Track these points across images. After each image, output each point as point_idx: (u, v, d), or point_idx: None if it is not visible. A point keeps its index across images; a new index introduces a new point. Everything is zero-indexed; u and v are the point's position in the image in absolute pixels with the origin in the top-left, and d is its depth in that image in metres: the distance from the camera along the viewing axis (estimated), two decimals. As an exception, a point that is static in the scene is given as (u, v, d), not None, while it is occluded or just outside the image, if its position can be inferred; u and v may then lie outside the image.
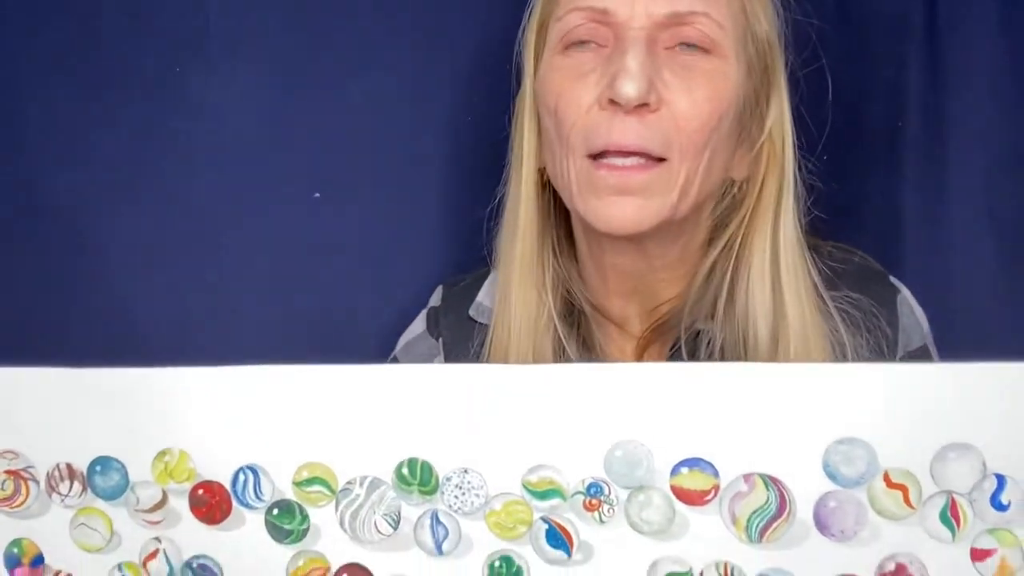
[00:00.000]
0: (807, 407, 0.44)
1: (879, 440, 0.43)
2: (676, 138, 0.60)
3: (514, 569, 0.46)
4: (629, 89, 0.58)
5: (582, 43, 0.62)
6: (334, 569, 0.47)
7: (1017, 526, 0.43)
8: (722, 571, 0.44)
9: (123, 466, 0.49)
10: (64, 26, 0.90)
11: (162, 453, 0.48)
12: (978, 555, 0.43)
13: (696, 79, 0.60)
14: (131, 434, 0.49)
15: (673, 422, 0.45)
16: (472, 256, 0.74)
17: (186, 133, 0.87)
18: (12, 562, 0.50)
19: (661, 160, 0.60)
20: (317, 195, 0.85)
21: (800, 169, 0.66)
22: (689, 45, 0.61)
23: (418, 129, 0.84)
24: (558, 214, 0.69)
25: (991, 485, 0.43)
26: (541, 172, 0.67)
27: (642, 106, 0.59)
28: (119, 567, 0.49)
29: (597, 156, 0.60)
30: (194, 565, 0.48)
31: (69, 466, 0.49)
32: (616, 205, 0.60)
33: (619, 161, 0.60)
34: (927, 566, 0.43)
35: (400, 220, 0.84)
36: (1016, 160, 0.81)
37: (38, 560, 0.50)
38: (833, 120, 0.76)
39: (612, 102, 0.59)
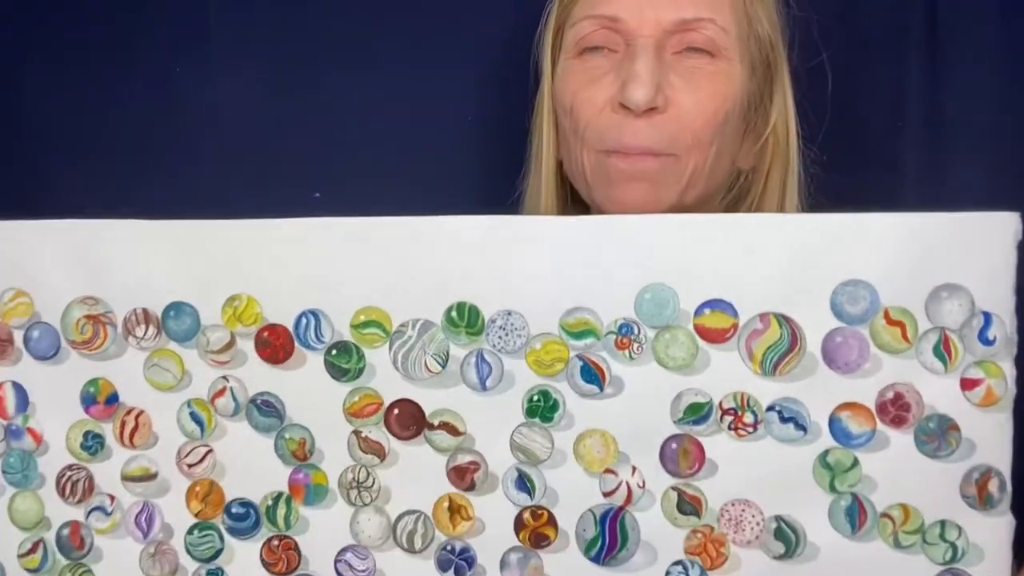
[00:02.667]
0: (816, 253, 0.51)
1: (880, 281, 0.50)
2: (682, 136, 0.67)
3: (551, 403, 0.52)
4: (639, 95, 0.65)
5: (595, 48, 0.70)
6: (387, 404, 0.54)
7: (1001, 359, 0.50)
8: (739, 401, 0.51)
9: (195, 310, 0.55)
10: (64, 26, 0.94)
11: (231, 299, 0.55)
12: (967, 384, 0.50)
13: (700, 81, 0.68)
14: (202, 281, 0.56)
15: (697, 267, 0.52)
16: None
17: (186, 133, 0.91)
18: (88, 400, 0.56)
19: (670, 154, 0.68)
20: (318, 195, 0.88)
21: (803, 159, 0.74)
22: (695, 49, 0.68)
23: (418, 129, 0.88)
24: (576, 208, 0.78)
25: (979, 322, 0.50)
26: (559, 166, 0.76)
27: (651, 109, 0.66)
28: (188, 404, 0.56)
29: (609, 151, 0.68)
30: (258, 402, 0.55)
31: (145, 311, 0.55)
32: (628, 191, 0.68)
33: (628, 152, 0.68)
34: (922, 394, 0.50)
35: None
36: (1016, 160, 0.84)
37: (113, 398, 0.56)
38: (833, 119, 0.81)
39: (623, 106, 0.67)
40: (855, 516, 0.51)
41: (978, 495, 0.50)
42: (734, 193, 0.74)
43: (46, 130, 0.89)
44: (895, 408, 0.50)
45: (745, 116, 0.70)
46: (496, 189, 0.82)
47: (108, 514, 0.57)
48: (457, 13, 0.89)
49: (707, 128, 0.67)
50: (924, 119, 0.83)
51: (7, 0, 0.95)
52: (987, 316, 0.50)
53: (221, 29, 0.91)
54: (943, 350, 0.50)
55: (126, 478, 0.56)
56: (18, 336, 0.57)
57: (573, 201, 0.77)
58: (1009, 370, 0.50)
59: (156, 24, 0.92)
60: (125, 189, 0.89)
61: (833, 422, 0.51)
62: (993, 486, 0.50)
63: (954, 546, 0.50)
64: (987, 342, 0.50)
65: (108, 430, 0.57)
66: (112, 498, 0.57)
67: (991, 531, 0.51)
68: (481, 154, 0.88)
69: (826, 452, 0.51)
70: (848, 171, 0.87)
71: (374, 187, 0.88)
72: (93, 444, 0.57)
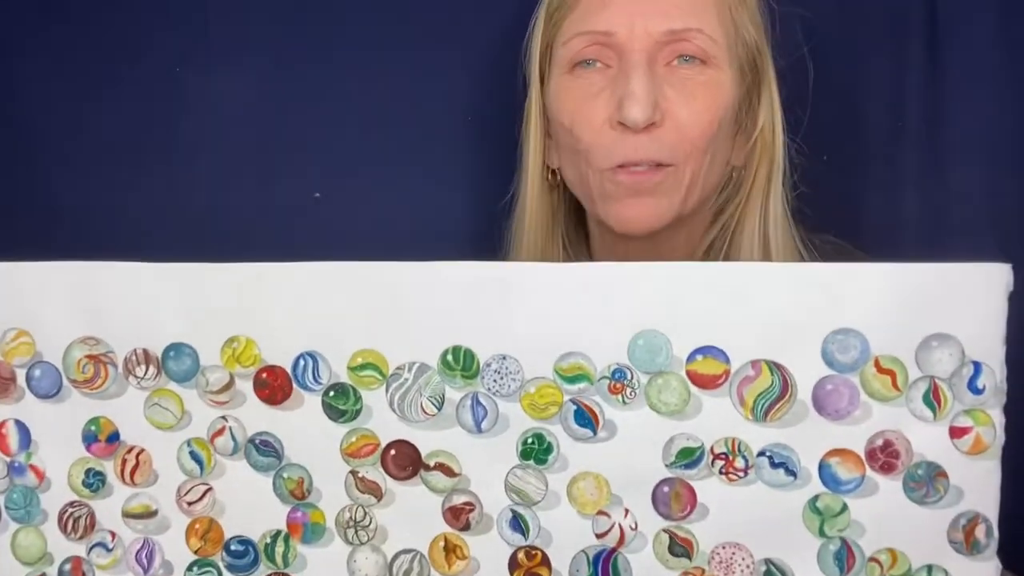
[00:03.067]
0: (808, 301, 0.51)
1: (870, 330, 0.51)
2: (680, 146, 0.70)
3: (545, 445, 0.53)
4: (636, 114, 0.68)
5: (588, 63, 0.72)
6: (384, 445, 0.55)
7: (990, 407, 0.51)
8: (730, 447, 0.52)
9: (194, 351, 0.56)
10: (64, 26, 0.94)
11: (230, 340, 0.56)
12: (956, 432, 0.51)
13: (694, 91, 0.70)
14: (202, 323, 0.56)
15: (689, 314, 0.52)
16: (484, 248, 0.82)
17: (186, 132, 0.92)
18: (90, 438, 0.58)
19: (669, 165, 0.70)
20: (317, 195, 0.90)
21: (787, 152, 0.76)
22: (686, 60, 0.71)
23: (417, 129, 0.89)
24: (568, 210, 0.81)
25: (968, 371, 0.50)
26: (548, 171, 0.78)
27: (649, 125, 0.68)
28: (188, 443, 0.57)
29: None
30: (257, 441, 0.56)
31: (145, 351, 0.56)
32: (632, 207, 0.72)
33: (632, 168, 0.70)
34: (911, 441, 0.51)
35: (404, 219, 0.88)
36: (1016, 160, 0.84)
37: (114, 437, 0.57)
38: (833, 120, 0.82)
39: (621, 124, 0.69)
40: (844, 560, 0.52)
41: (965, 541, 0.51)
42: (727, 192, 0.76)
43: (46, 130, 0.90)
44: (884, 455, 0.51)
45: (736, 119, 0.73)
46: (493, 190, 0.83)
47: (109, 550, 0.58)
48: (456, 13, 0.89)
49: (703, 137, 0.69)
50: (924, 119, 0.84)
51: (8, 0, 0.96)
52: (977, 365, 0.51)
53: (221, 29, 0.92)
54: (933, 399, 0.51)
55: (127, 515, 0.58)
56: (20, 375, 0.58)
57: (566, 205, 0.79)
58: (998, 418, 0.51)
59: (156, 24, 0.92)
60: (124, 189, 0.90)
61: (823, 468, 0.52)
62: (980, 532, 0.51)
63: (941, 591, 0.52)
64: (976, 391, 0.51)
65: (109, 468, 0.58)
66: (113, 534, 0.58)
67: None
68: (479, 154, 0.89)
69: (816, 497, 0.52)
70: (848, 171, 0.88)
71: (373, 187, 0.90)
72: (94, 481, 0.58)
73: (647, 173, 0.69)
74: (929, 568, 0.51)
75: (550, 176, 0.78)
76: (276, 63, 0.90)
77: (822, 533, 0.52)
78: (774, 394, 0.52)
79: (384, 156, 0.89)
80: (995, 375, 0.51)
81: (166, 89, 0.89)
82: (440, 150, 0.89)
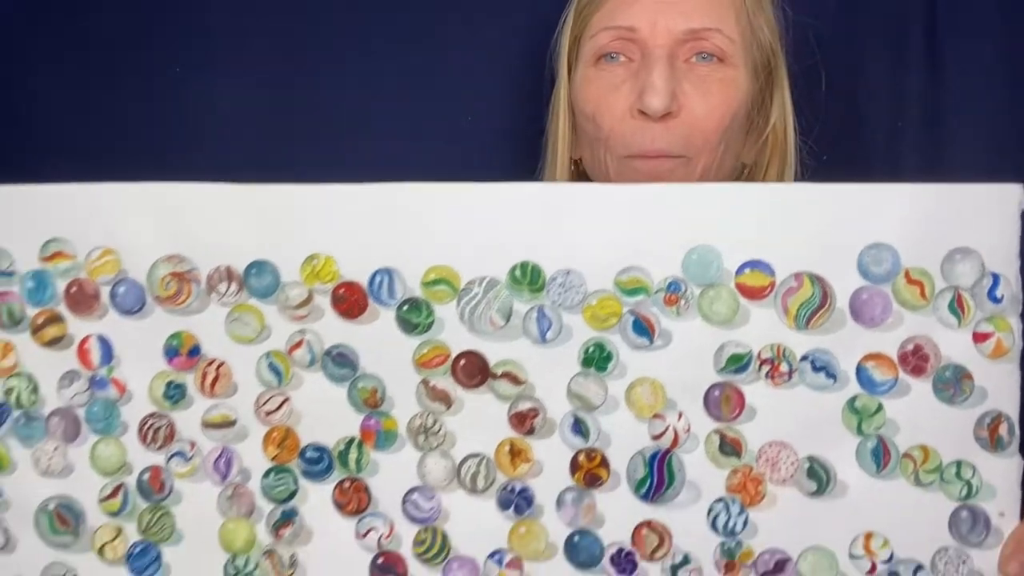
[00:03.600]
0: (845, 219, 0.58)
1: (901, 245, 0.57)
2: (694, 139, 0.75)
3: (605, 354, 0.58)
4: (656, 103, 0.73)
5: (612, 57, 0.78)
6: (454, 355, 0.59)
7: (1009, 314, 0.57)
8: (776, 352, 0.57)
9: (275, 268, 0.60)
10: (64, 26, 0.97)
11: (310, 257, 0.60)
12: (979, 337, 0.57)
13: (710, 87, 0.76)
14: (283, 241, 0.60)
15: (739, 231, 0.58)
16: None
17: (185, 133, 0.93)
18: (171, 352, 0.61)
19: (682, 156, 0.75)
20: None
21: (799, 153, 0.81)
22: (704, 57, 0.76)
23: (421, 129, 0.91)
24: None
25: (988, 282, 0.57)
26: (573, 162, 0.83)
27: (666, 115, 0.74)
28: (267, 356, 0.60)
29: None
30: (333, 354, 0.60)
31: (228, 268, 0.60)
32: None
33: (649, 157, 0.75)
34: (939, 346, 0.57)
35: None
36: (1016, 160, 0.88)
37: (195, 351, 0.60)
38: (834, 120, 0.86)
39: (641, 112, 0.74)
40: (880, 456, 0.57)
41: (990, 438, 0.57)
42: None
43: (45, 130, 0.92)
44: (915, 359, 0.57)
45: (749, 116, 0.78)
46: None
47: (188, 459, 0.61)
48: (464, 12, 0.93)
49: (716, 131, 0.75)
50: (924, 119, 0.88)
51: (8, 0, 0.99)
52: (996, 277, 0.57)
53: (221, 29, 0.95)
54: (957, 307, 0.57)
55: (206, 425, 0.61)
56: (104, 292, 0.61)
57: None
58: (1016, 325, 0.57)
59: (156, 24, 0.95)
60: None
61: (860, 371, 0.57)
62: (1003, 429, 0.57)
63: (969, 484, 0.57)
64: (996, 300, 0.57)
65: (189, 380, 0.61)
66: (192, 444, 0.61)
67: (1002, 470, 0.57)
68: (480, 154, 0.92)
69: (854, 398, 0.57)
70: (848, 171, 0.94)
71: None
72: (175, 393, 0.61)
73: (660, 159, 0.74)
74: (958, 463, 0.57)
75: (573, 167, 0.83)
76: (277, 64, 0.92)
77: (860, 431, 0.57)
78: (815, 304, 0.57)
79: (387, 155, 0.90)
80: (1012, 285, 0.57)
81: (166, 89, 0.91)
82: (443, 150, 0.91)
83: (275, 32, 0.93)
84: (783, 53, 0.81)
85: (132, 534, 0.61)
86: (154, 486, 0.61)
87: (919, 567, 0.57)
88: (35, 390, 0.62)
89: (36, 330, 0.62)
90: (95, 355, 0.62)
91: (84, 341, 0.62)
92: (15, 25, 0.95)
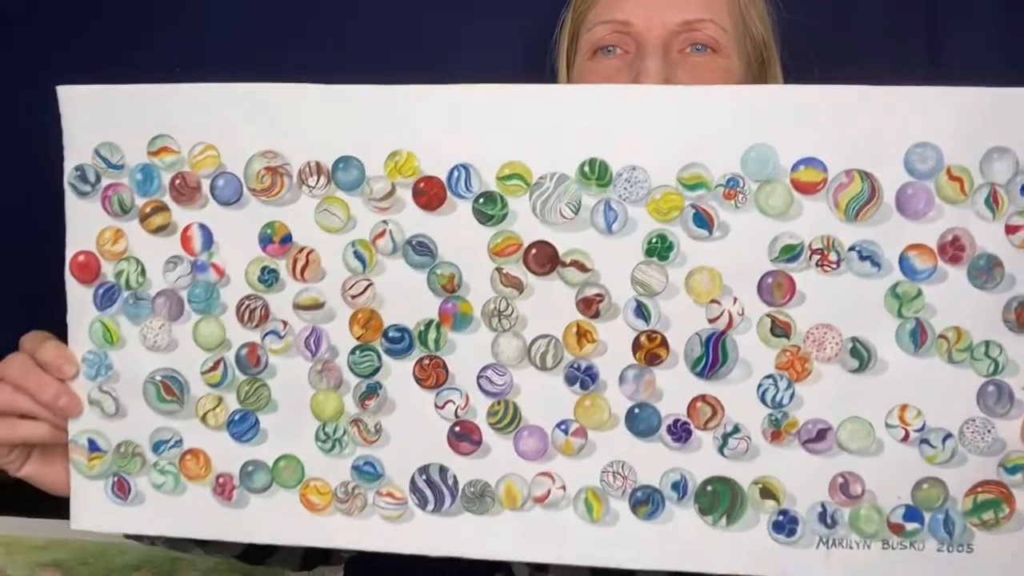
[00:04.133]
0: (893, 119, 0.62)
1: (944, 144, 0.62)
2: None
3: (667, 244, 0.63)
4: None
5: (608, 49, 0.81)
6: (526, 245, 0.64)
7: None
8: (826, 243, 0.62)
9: (361, 163, 0.65)
10: (64, 27, 1.01)
11: (393, 154, 0.65)
12: (1011, 229, 0.62)
13: (704, 76, 0.79)
14: (368, 138, 0.66)
15: (794, 130, 0.63)
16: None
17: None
18: (265, 240, 0.67)
19: None
20: None
21: None
22: (698, 48, 0.80)
23: None
24: None
25: (1022, 179, 0.62)
26: None
27: None
28: (353, 244, 0.66)
29: None
30: (414, 242, 0.65)
31: (318, 163, 0.65)
32: None
33: None
34: (974, 237, 0.61)
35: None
36: None
37: (287, 239, 0.66)
38: None
39: None
40: (917, 337, 0.63)
41: (1016, 320, 0.62)
42: None
43: (47, 129, 0.95)
44: (953, 248, 0.62)
45: None
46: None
47: (281, 337, 0.67)
48: (466, 11, 0.98)
49: None
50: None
51: (9, 2, 1.02)
52: (1029, 174, 0.62)
53: (221, 29, 0.99)
54: (992, 201, 0.62)
55: (297, 307, 0.67)
56: (205, 184, 0.67)
57: None
58: (1045, 218, 0.62)
59: (156, 24, 0.99)
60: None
61: (902, 260, 0.63)
62: (1029, 313, 0.62)
63: (996, 362, 0.63)
64: (1029, 195, 0.62)
65: (282, 266, 0.67)
66: (285, 324, 0.67)
67: (1026, 350, 0.63)
68: None
69: (895, 284, 0.63)
70: None
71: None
72: (269, 277, 0.67)
73: None
74: (987, 343, 0.63)
75: None
76: (278, 65, 0.89)
77: (900, 314, 0.63)
78: (864, 198, 0.62)
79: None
80: (1044, 180, 0.62)
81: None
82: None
83: (276, 34, 0.97)
84: (776, 46, 0.84)
85: (232, 403, 0.68)
86: (251, 360, 0.68)
87: (948, 435, 0.63)
88: (143, 273, 0.68)
89: (144, 218, 0.67)
90: (197, 242, 0.67)
91: (187, 229, 0.67)
92: (16, 25, 0.98)
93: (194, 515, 0.70)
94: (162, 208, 0.67)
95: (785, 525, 0.65)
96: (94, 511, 0.71)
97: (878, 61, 0.92)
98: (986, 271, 0.62)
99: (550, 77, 0.88)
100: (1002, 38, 0.93)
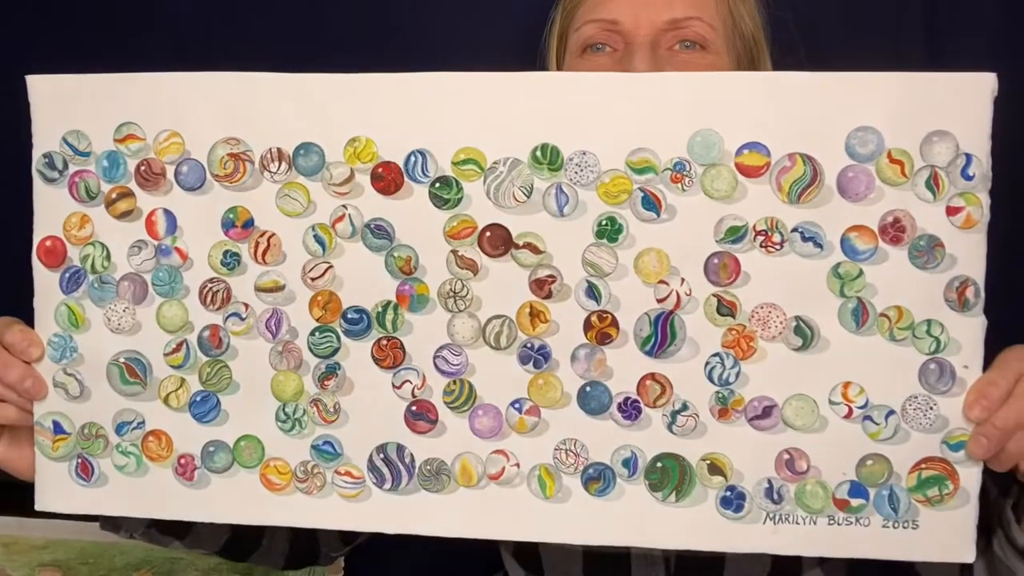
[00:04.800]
0: (834, 103, 0.65)
1: (884, 127, 0.64)
2: None
3: (616, 226, 0.66)
4: None
5: (597, 47, 0.83)
6: (480, 227, 0.66)
7: (979, 191, 0.65)
8: (769, 224, 0.65)
9: (321, 149, 0.68)
10: (63, 27, 1.03)
11: (352, 140, 0.67)
12: (951, 211, 0.64)
13: None
14: (328, 124, 0.68)
15: (737, 116, 0.65)
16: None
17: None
18: (228, 224, 0.69)
19: None
20: None
21: None
22: (686, 44, 0.81)
23: None
24: None
25: (962, 161, 0.64)
26: None
27: None
28: (313, 228, 0.68)
29: None
30: (372, 226, 0.68)
31: (279, 149, 0.68)
32: None
33: None
34: (915, 219, 0.64)
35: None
36: (1015, 160, 0.90)
37: (249, 223, 0.69)
38: None
39: None
40: (859, 315, 0.65)
41: (958, 299, 0.64)
42: None
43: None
44: (894, 230, 0.64)
45: None
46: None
47: (243, 319, 0.69)
48: (457, 13, 1.00)
49: None
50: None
51: (7, 1, 1.05)
52: (968, 156, 0.64)
53: (222, 30, 1.01)
54: (933, 183, 0.64)
55: (259, 289, 0.69)
56: (170, 170, 0.69)
57: None
58: (985, 200, 0.65)
59: (155, 24, 1.02)
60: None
61: (844, 241, 0.65)
62: (970, 292, 0.65)
63: (938, 340, 0.65)
64: (968, 177, 0.64)
65: (244, 250, 0.69)
66: (246, 306, 0.69)
67: (968, 328, 0.65)
68: None
69: (838, 264, 0.65)
70: None
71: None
72: (231, 261, 0.69)
73: None
74: (928, 322, 0.65)
75: None
76: (279, 65, 0.91)
77: (842, 294, 0.65)
78: (806, 181, 0.65)
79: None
80: (983, 164, 0.64)
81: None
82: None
83: (277, 35, 0.99)
84: (766, 43, 0.86)
85: (194, 384, 0.70)
86: (213, 342, 0.70)
87: (891, 412, 0.65)
88: (108, 257, 0.70)
89: (109, 204, 0.70)
90: (161, 226, 0.70)
91: (151, 214, 0.70)
92: (17, 26, 0.99)
93: (156, 496, 0.72)
94: (128, 194, 0.69)
95: (733, 501, 0.67)
96: (58, 492, 0.72)
97: (873, 59, 0.92)
98: (927, 251, 0.64)
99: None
100: (1003, 38, 0.94)
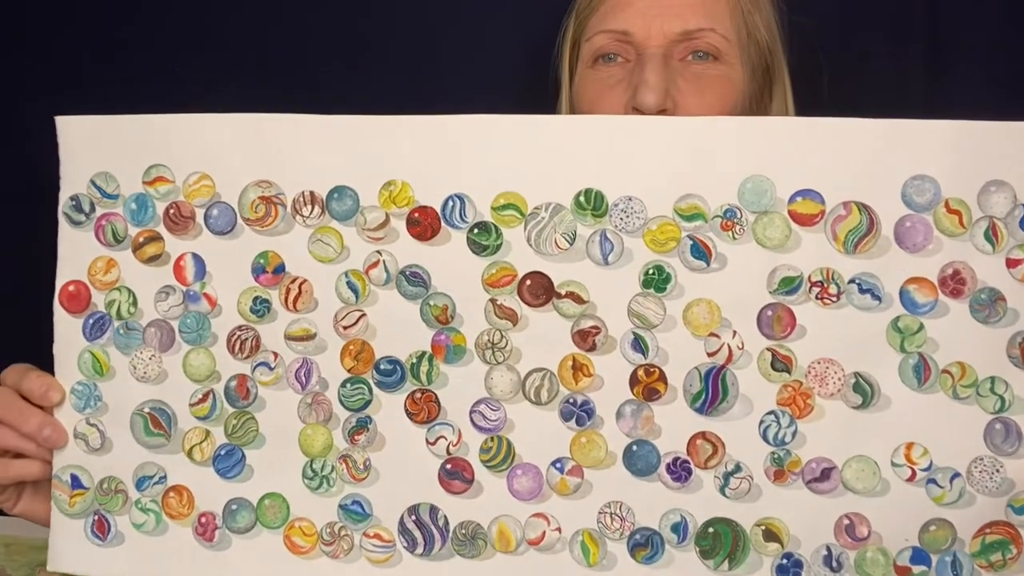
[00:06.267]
0: (891, 151, 0.63)
1: (942, 177, 0.62)
2: None
3: (664, 275, 0.64)
4: (649, 99, 0.77)
5: (608, 57, 0.83)
6: (520, 276, 0.65)
7: None
8: (825, 275, 0.63)
9: (355, 193, 0.67)
10: (63, 27, 1.04)
11: (387, 183, 0.66)
12: (1011, 263, 0.63)
13: (705, 84, 0.80)
14: (362, 168, 0.67)
15: (791, 161, 0.64)
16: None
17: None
18: (258, 270, 0.68)
19: None
20: None
21: None
22: (699, 54, 0.81)
23: None
24: None
25: (1020, 212, 0.63)
26: None
27: (661, 111, 0.78)
28: (346, 274, 0.67)
29: None
30: (407, 273, 0.66)
31: (312, 193, 0.66)
32: None
33: None
34: (975, 271, 0.62)
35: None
36: None
37: (280, 268, 0.67)
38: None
39: (636, 109, 0.79)
40: (921, 372, 0.62)
41: (1021, 356, 0.62)
42: None
43: (45, 131, 0.97)
44: (953, 282, 0.63)
45: (747, 114, 0.81)
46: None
47: (271, 369, 0.67)
48: (471, 20, 1.00)
49: None
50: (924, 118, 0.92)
51: (5, 4, 1.06)
52: (1028, 207, 0.62)
53: (221, 31, 1.02)
54: (992, 235, 0.63)
55: (289, 338, 0.67)
56: (199, 213, 0.68)
57: None
58: (1046, 251, 0.62)
59: (157, 25, 1.02)
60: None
61: (903, 293, 0.63)
62: (1035, 348, 0.62)
63: (1002, 398, 0.62)
64: (1028, 228, 0.62)
65: (274, 296, 0.68)
66: (276, 355, 0.67)
67: (1033, 387, 0.62)
68: None
69: (897, 318, 0.63)
70: None
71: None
72: (261, 308, 0.67)
73: None
74: (992, 379, 0.62)
75: None
76: (279, 65, 0.96)
77: (903, 349, 0.63)
78: (862, 230, 0.63)
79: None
80: (1043, 215, 0.62)
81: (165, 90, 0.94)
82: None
83: (276, 36, 0.99)
84: (784, 53, 0.85)
85: (219, 437, 0.68)
86: (240, 393, 0.68)
87: (956, 475, 0.62)
88: (134, 303, 0.69)
89: (137, 248, 0.69)
90: (189, 272, 0.68)
91: (180, 259, 0.68)
92: (18, 27, 1.00)
93: (174, 558, 0.69)
94: (156, 238, 0.68)
95: (789, 569, 0.63)
96: (72, 552, 0.70)
97: (877, 57, 0.93)
98: (988, 305, 0.63)
99: (553, 85, 0.90)
100: (1004, 38, 0.94)
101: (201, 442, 0.68)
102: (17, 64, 1.06)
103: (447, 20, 1.02)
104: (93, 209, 0.69)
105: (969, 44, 0.94)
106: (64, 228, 0.70)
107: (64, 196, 0.70)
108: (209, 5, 1.03)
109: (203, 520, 0.68)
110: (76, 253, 0.70)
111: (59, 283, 0.70)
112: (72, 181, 0.70)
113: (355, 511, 0.67)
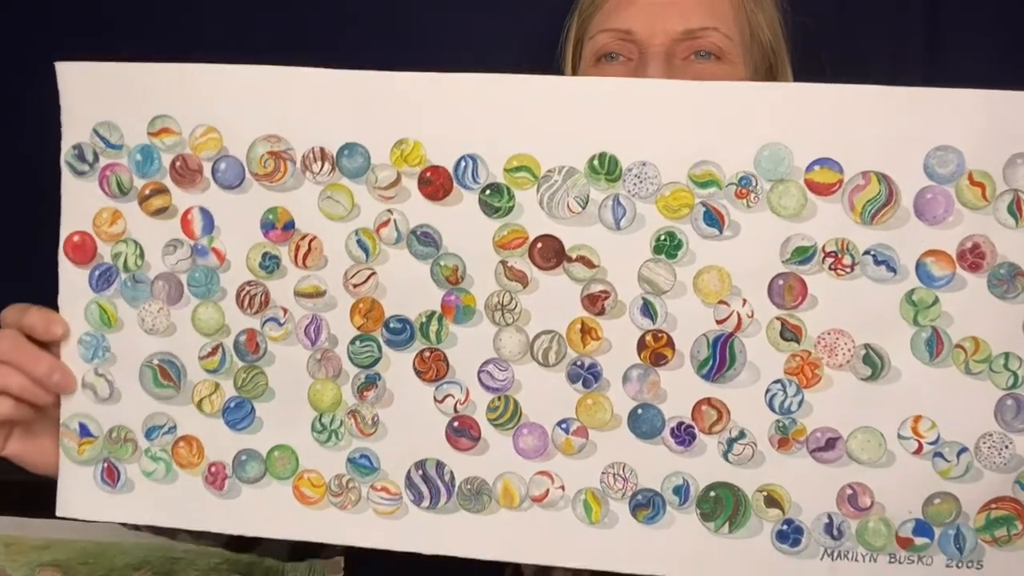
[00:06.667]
0: (913, 120, 0.62)
1: (966, 147, 0.61)
2: None
3: (676, 242, 0.63)
4: None
5: (611, 57, 0.82)
6: (532, 238, 0.64)
7: None
8: (840, 246, 0.62)
9: (366, 150, 0.65)
10: (63, 28, 1.01)
11: (399, 142, 0.65)
12: (1034, 237, 0.60)
13: None
14: (375, 125, 0.66)
15: (809, 129, 0.62)
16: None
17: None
18: (268, 226, 0.67)
19: None
20: None
21: None
22: (702, 54, 0.80)
23: None
24: None
25: None
26: None
27: None
28: (356, 232, 0.66)
29: None
30: (418, 233, 0.66)
31: (322, 149, 0.65)
32: None
33: None
34: (995, 245, 0.61)
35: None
36: None
37: (289, 225, 0.67)
38: None
39: None
40: (933, 346, 0.62)
41: (1038, 332, 0.61)
42: None
43: (48, 130, 0.96)
44: (972, 256, 0.62)
45: None
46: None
47: (281, 324, 0.68)
48: (475, 18, 0.98)
49: None
50: None
51: (5, 4, 1.03)
52: (1055, 181, 0.61)
53: (221, 31, 0.99)
54: (1016, 209, 0.62)
55: (298, 294, 0.67)
56: (207, 167, 0.67)
57: None
58: (1071, 227, 0.61)
59: (157, 25, 1.00)
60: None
61: (919, 266, 0.62)
62: (1051, 325, 0.61)
63: (1015, 375, 0.62)
64: (1053, 203, 0.61)
65: (284, 252, 0.68)
66: (285, 311, 0.68)
67: (1047, 364, 0.62)
68: None
69: (912, 291, 0.63)
70: None
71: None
72: (270, 264, 0.67)
73: None
74: (1007, 355, 0.62)
75: None
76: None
77: (916, 322, 0.63)
78: (880, 201, 0.62)
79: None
80: (1070, 190, 0.61)
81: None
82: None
83: (276, 35, 0.97)
84: (787, 52, 0.84)
85: (228, 390, 0.69)
86: (249, 347, 0.68)
87: (963, 449, 0.63)
88: (141, 255, 0.69)
89: (143, 200, 0.68)
90: (197, 225, 0.68)
91: (187, 212, 0.68)
92: (18, 25, 0.98)
93: (184, 505, 0.71)
94: (162, 190, 0.68)
95: (789, 535, 0.64)
96: (81, 498, 0.71)
97: (878, 58, 0.92)
98: (1007, 280, 0.62)
99: None
100: (1004, 38, 0.93)
101: (211, 394, 0.68)
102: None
103: (449, 19, 1.00)
104: (97, 159, 0.68)
105: (969, 44, 0.93)
106: (67, 178, 0.69)
107: (66, 145, 0.69)
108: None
109: (213, 469, 0.69)
110: (80, 203, 0.69)
111: (64, 233, 0.69)
112: (74, 129, 0.69)
113: (363, 464, 0.68)
